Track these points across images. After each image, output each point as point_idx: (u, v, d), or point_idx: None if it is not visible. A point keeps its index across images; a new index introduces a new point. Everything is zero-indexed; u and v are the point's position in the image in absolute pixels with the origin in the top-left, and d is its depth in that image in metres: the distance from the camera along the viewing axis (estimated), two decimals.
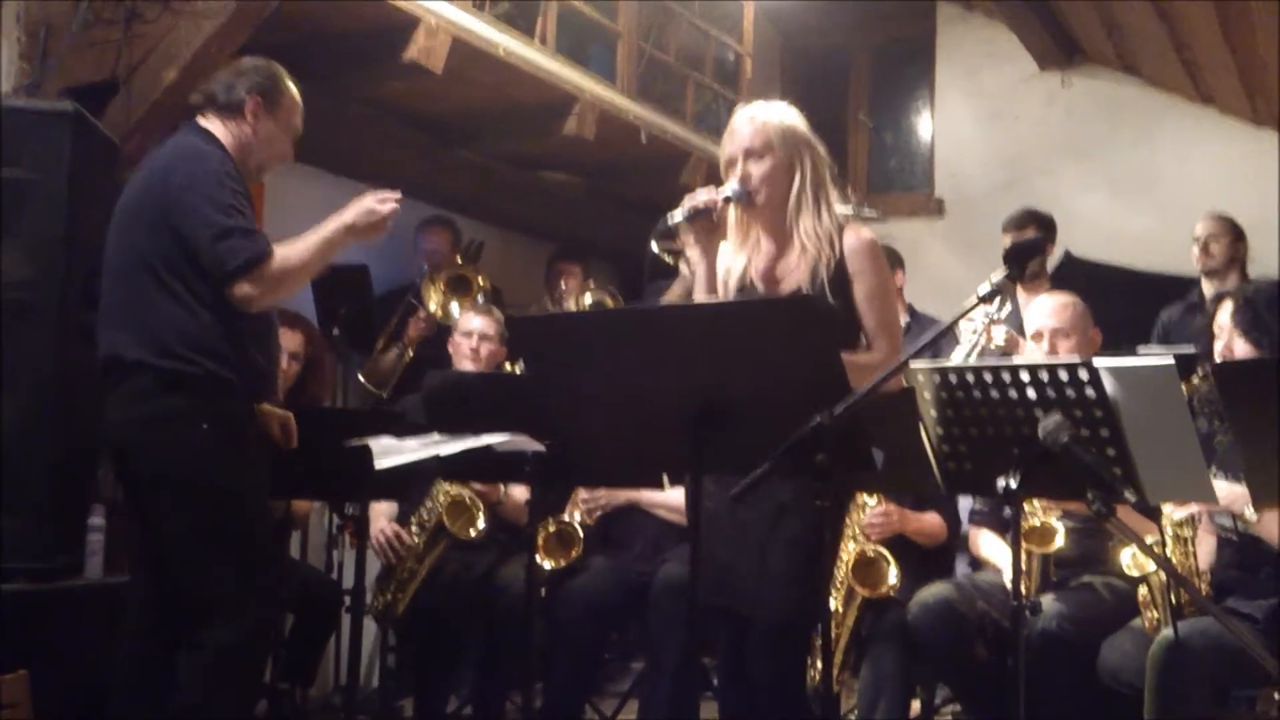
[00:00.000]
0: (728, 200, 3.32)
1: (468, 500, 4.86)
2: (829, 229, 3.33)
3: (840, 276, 3.29)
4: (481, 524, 4.86)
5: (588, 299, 6.28)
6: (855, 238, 3.34)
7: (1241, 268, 6.00)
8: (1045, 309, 4.46)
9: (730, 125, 3.43)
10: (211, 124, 3.72)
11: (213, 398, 3.50)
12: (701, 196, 3.32)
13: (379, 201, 3.72)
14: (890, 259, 6.52)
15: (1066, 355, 4.27)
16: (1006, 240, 5.80)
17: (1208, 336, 4.05)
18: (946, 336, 4.52)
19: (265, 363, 3.68)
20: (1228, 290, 4.37)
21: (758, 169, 3.34)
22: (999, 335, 4.87)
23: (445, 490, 4.85)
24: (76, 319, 3.99)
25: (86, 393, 4.14)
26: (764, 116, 3.39)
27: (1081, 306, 4.47)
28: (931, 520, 4.72)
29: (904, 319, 6.13)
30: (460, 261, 6.21)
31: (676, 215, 3.31)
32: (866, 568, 4.47)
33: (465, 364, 5.19)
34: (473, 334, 5.22)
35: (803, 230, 3.33)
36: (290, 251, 3.58)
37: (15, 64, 4.72)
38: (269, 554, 3.85)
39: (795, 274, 3.34)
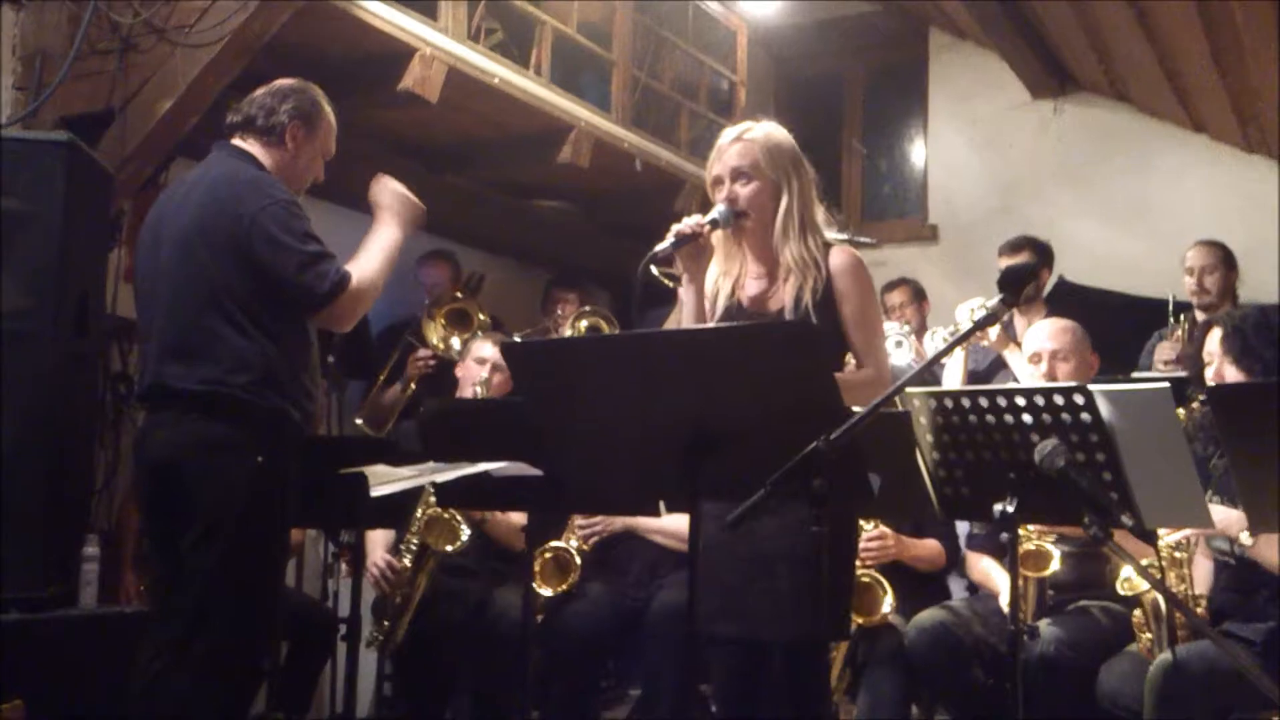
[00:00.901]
0: (714, 224, 3.29)
1: (445, 515, 4.84)
2: (815, 252, 3.30)
3: (828, 297, 3.27)
4: (465, 536, 4.82)
5: (583, 324, 6.28)
6: (842, 257, 3.31)
7: (1233, 295, 6.00)
8: (1044, 332, 4.48)
9: (717, 144, 3.41)
10: (251, 146, 3.71)
11: (270, 430, 3.51)
12: (688, 222, 3.30)
13: (397, 186, 3.85)
14: (914, 293, 6.59)
15: (1064, 379, 4.28)
16: (1002, 263, 5.82)
17: (1198, 363, 4.06)
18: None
19: (315, 393, 3.70)
20: (1214, 317, 4.38)
21: (744, 190, 3.31)
22: (993, 332, 4.92)
23: (424, 509, 4.82)
24: (69, 347, 3.99)
25: (79, 422, 4.14)
26: (751, 136, 3.37)
27: (1080, 331, 4.49)
28: (930, 546, 4.72)
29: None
30: (460, 295, 6.22)
31: (663, 244, 3.29)
32: (861, 594, 4.45)
33: (473, 390, 5.17)
34: (486, 361, 5.20)
35: (790, 254, 3.30)
36: (366, 267, 3.64)
37: (11, 94, 4.73)
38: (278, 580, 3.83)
39: (781, 296, 3.32)
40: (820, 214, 3.41)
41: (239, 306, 3.49)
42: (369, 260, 3.66)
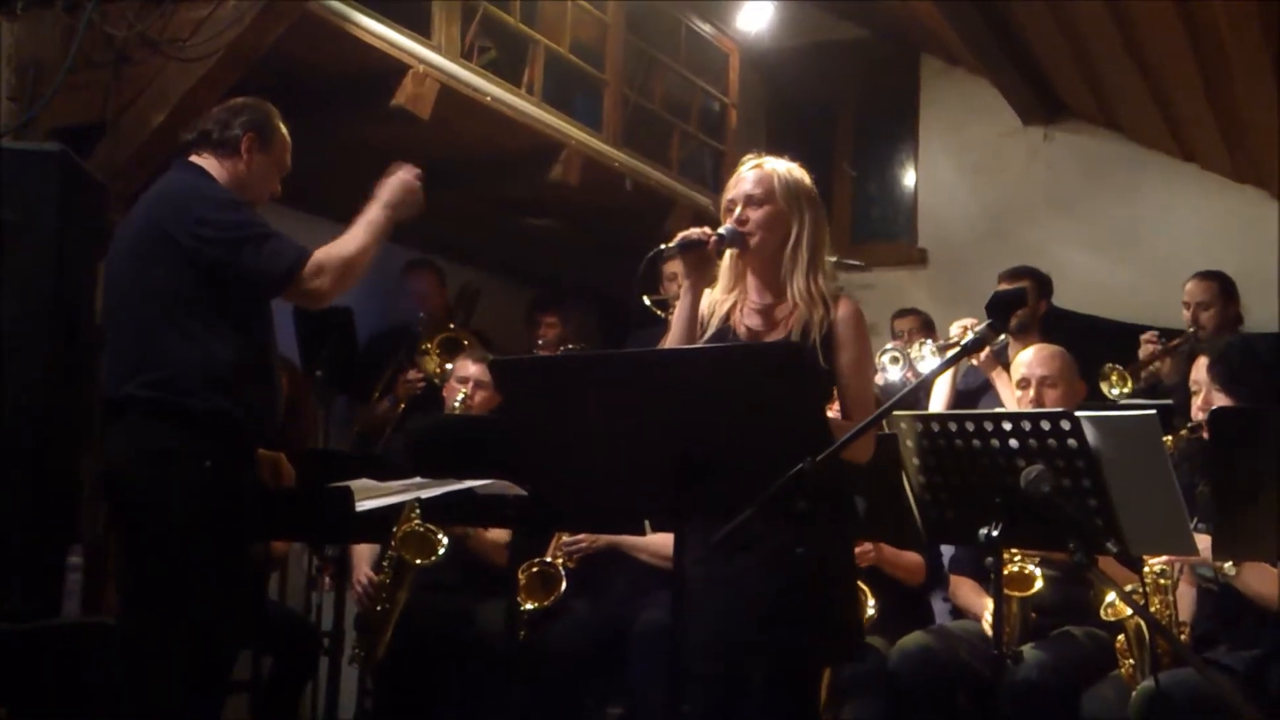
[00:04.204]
0: (720, 239, 3.29)
1: (422, 529, 4.82)
2: (823, 291, 3.30)
3: (828, 341, 3.26)
4: (441, 550, 4.78)
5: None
6: (848, 308, 3.30)
7: (1234, 326, 5.96)
8: (1033, 359, 4.49)
9: (736, 173, 3.43)
10: (205, 161, 3.76)
11: (217, 434, 3.52)
12: (695, 231, 3.32)
13: (407, 174, 3.83)
14: (923, 323, 6.62)
15: (1052, 406, 4.29)
16: (1001, 289, 5.82)
17: (1184, 391, 4.07)
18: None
19: (269, 399, 3.70)
20: (1199, 346, 4.40)
21: (756, 214, 3.31)
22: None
23: (401, 524, 4.79)
24: (59, 357, 3.98)
25: (67, 432, 4.13)
26: (771, 166, 3.39)
27: (1068, 357, 4.50)
28: (910, 558, 4.71)
29: None
30: (455, 305, 6.23)
31: (669, 245, 3.29)
32: None
33: (453, 409, 5.16)
34: (468, 380, 5.21)
35: (796, 288, 3.29)
36: (340, 242, 3.67)
37: (4, 104, 4.73)
38: (243, 591, 3.81)
39: (785, 328, 3.30)
40: (830, 259, 3.43)
41: (183, 311, 3.53)
42: (346, 236, 3.70)
